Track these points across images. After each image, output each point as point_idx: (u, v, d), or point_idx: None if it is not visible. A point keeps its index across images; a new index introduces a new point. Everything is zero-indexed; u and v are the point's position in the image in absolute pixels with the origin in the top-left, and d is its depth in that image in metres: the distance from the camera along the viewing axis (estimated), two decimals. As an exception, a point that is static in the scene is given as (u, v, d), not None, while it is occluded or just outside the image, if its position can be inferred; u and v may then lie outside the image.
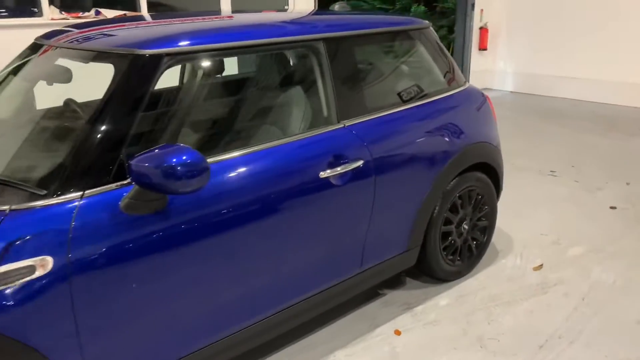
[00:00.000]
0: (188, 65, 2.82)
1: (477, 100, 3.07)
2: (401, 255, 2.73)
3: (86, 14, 4.98)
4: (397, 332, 2.64)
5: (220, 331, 2.08)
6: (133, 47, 1.91)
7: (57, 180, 1.69)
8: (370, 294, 2.95)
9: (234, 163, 2.01)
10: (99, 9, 5.02)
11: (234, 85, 2.88)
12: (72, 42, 2.14)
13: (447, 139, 2.76)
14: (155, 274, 1.81)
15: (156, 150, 1.70)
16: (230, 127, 2.43)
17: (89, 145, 1.74)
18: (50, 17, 4.74)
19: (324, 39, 2.37)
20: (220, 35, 2.09)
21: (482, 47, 8.64)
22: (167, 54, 1.91)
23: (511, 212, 3.98)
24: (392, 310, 2.83)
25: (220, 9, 6.00)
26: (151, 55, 1.89)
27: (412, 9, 9.30)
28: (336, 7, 3.08)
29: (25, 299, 1.56)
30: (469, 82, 3.34)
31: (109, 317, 1.74)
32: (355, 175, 2.34)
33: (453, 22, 8.79)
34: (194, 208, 1.87)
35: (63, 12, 4.85)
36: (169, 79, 2.32)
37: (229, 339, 2.11)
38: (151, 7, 5.43)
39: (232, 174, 1.99)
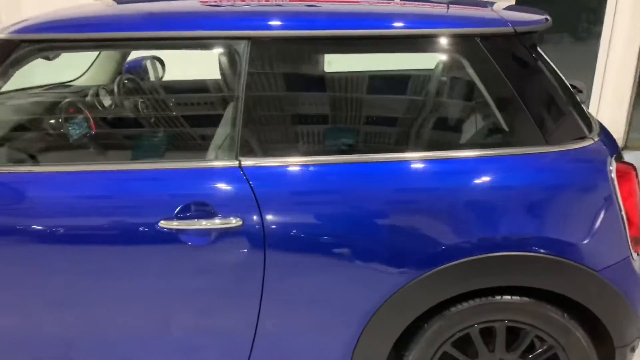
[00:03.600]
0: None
1: (577, 176, 1.64)
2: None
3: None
4: None
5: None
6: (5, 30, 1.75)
7: None
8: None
9: (47, 177, 1.65)
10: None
11: (127, 88, 2.33)
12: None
13: (446, 225, 1.59)
14: None
15: None
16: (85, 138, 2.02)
17: None
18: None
19: (250, 38, 1.64)
20: (109, 23, 1.71)
21: None
22: (25, 40, 1.67)
23: None
24: None
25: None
26: (5, 40, 1.69)
27: None
28: None
29: None
30: None
31: None
32: (226, 240, 1.59)
33: None
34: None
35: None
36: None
37: None
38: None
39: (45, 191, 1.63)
